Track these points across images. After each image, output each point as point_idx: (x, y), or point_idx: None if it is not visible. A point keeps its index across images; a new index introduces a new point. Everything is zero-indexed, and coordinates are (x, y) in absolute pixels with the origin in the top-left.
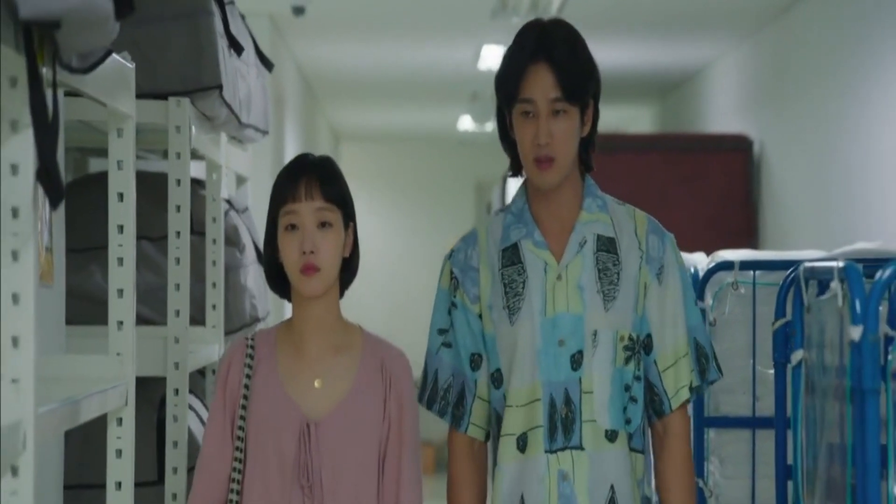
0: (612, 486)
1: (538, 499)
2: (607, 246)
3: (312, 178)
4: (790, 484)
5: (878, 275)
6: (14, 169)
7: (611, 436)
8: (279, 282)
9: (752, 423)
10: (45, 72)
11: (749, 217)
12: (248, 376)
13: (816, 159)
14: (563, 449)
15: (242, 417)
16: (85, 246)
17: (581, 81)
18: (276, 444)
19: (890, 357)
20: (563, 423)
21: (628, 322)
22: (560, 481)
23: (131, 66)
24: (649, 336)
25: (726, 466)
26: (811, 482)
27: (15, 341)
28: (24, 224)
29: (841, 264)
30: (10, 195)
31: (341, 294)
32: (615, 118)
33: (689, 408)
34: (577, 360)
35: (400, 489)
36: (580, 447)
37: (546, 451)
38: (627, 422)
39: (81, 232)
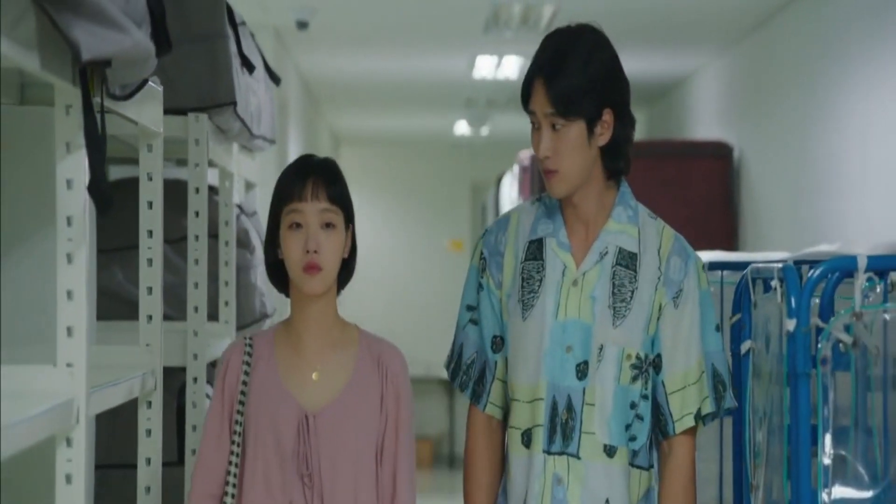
0: (606, 500)
1: (535, 497)
2: (627, 261)
3: (319, 179)
4: None
5: (809, 273)
6: (69, 183)
7: (609, 451)
8: (279, 278)
9: None
10: (95, 100)
11: (729, 220)
12: (246, 373)
13: (791, 165)
14: (560, 453)
15: (240, 413)
16: (108, 248)
17: (577, 97)
18: (276, 437)
19: (820, 346)
20: (562, 428)
21: (637, 341)
22: (554, 484)
23: (160, 88)
24: (659, 356)
25: (698, 450)
26: (759, 458)
27: (69, 331)
28: (77, 231)
29: (780, 265)
30: (65, 206)
31: (338, 293)
32: None
33: None
34: (582, 370)
35: (396, 483)
36: (577, 456)
37: (544, 451)
38: (632, 439)
39: (105, 235)
